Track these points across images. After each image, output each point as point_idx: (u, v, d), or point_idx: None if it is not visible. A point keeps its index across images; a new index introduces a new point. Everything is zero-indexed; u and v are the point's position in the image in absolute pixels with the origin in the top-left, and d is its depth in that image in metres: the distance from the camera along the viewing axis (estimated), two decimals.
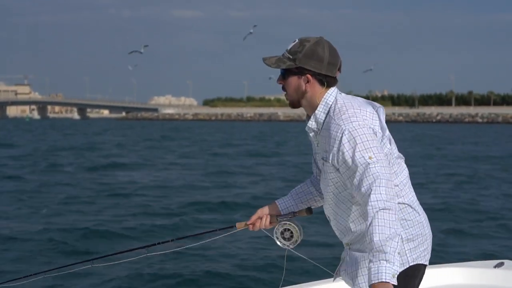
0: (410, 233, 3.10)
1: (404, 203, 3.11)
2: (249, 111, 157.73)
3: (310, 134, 3.22)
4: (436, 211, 14.20)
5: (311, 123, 3.17)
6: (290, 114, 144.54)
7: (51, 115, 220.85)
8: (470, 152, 36.91)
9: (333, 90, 3.15)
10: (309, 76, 3.11)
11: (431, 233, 3.22)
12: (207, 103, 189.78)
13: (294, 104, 3.22)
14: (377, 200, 2.85)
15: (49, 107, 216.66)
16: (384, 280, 2.75)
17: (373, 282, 2.78)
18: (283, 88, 3.22)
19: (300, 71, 3.12)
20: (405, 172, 3.18)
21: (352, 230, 3.16)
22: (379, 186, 2.87)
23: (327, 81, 3.13)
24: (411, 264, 3.11)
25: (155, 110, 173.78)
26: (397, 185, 3.09)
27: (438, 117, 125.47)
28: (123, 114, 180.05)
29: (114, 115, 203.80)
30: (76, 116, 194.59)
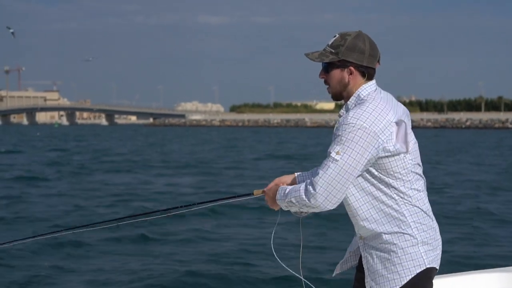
0: (425, 236, 3.22)
1: (419, 208, 3.23)
2: (275, 117, 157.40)
3: None
4: None
5: (342, 111, 3.30)
6: (317, 120, 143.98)
7: (79, 121, 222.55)
8: None
9: (370, 84, 3.28)
10: (352, 68, 3.26)
11: (441, 240, 3.35)
12: (233, 109, 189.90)
13: (337, 96, 3.34)
14: (310, 185, 3.13)
15: (77, 113, 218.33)
16: (276, 199, 3.34)
17: (278, 189, 3.34)
18: (325, 82, 3.35)
19: (342, 64, 3.26)
20: (421, 180, 3.29)
21: (360, 223, 3.27)
22: (318, 177, 3.10)
23: (368, 73, 3.27)
24: (427, 266, 3.21)
25: (183, 116, 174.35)
26: (413, 189, 3.22)
27: (468, 123, 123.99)
28: (151, 120, 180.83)
29: (141, 121, 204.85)
30: (104, 122, 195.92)
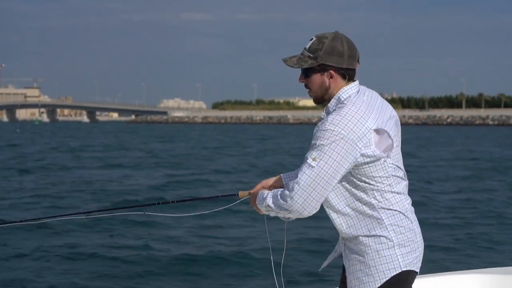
0: (401, 238, 3.17)
1: (396, 210, 3.18)
2: (258, 114, 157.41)
3: None
4: None
5: (323, 114, 3.25)
6: (300, 117, 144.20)
7: (60, 118, 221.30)
8: None
9: (351, 86, 3.23)
10: (332, 71, 3.20)
11: (423, 242, 3.29)
12: (216, 106, 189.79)
13: (319, 100, 3.30)
14: (289, 190, 3.10)
15: (58, 110, 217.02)
16: (257, 203, 3.32)
17: (258, 197, 3.32)
18: (306, 86, 3.29)
19: (322, 68, 3.20)
20: (403, 183, 3.24)
21: (337, 226, 3.27)
22: (297, 183, 3.06)
23: (349, 74, 3.22)
24: (403, 269, 3.16)
25: (165, 113, 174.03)
26: (393, 193, 3.18)
27: (449, 120, 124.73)
28: (133, 117, 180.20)
29: (123, 118, 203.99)
30: (85, 119, 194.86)
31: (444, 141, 55.46)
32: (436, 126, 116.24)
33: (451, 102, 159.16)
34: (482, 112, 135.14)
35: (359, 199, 3.17)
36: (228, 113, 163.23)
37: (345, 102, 3.15)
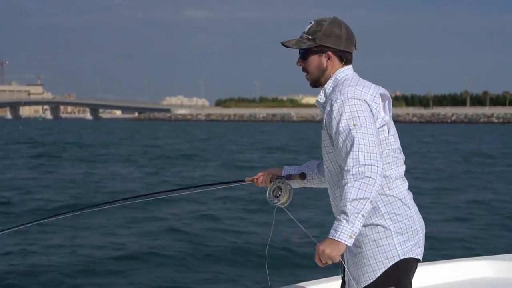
0: (399, 226, 3.14)
1: (393, 196, 3.16)
2: (261, 112, 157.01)
3: (320, 109, 3.32)
4: None
5: (320, 97, 3.29)
6: (304, 114, 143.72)
7: (63, 115, 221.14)
8: None
9: (347, 68, 3.28)
10: (329, 53, 3.25)
11: (424, 228, 3.26)
12: (219, 103, 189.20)
13: (315, 82, 3.31)
14: (352, 165, 2.95)
15: (61, 107, 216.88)
16: (337, 239, 2.91)
17: (329, 237, 2.95)
18: (303, 69, 3.32)
19: (320, 50, 3.26)
20: (401, 167, 3.23)
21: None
22: (357, 151, 2.96)
23: (346, 57, 3.27)
24: (401, 258, 3.14)
25: (168, 110, 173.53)
26: (387, 176, 3.15)
27: (453, 118, 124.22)
28: (136, 114, 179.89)
29: (126, 116, 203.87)
30: (88, 116, 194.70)
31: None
32: (440, 124, 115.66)
33: (455, 100, 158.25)
34: (487, 110, 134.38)
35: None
36: (231, 111, 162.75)
37: (342, 80, 3.23)
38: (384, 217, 3.13)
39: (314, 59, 3.27)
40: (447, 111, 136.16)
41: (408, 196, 3.22)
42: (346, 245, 2.91)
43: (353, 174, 2.93)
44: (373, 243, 3.13)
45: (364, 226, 3.10)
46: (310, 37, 3.25)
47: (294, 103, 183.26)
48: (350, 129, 3.01)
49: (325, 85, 3.27)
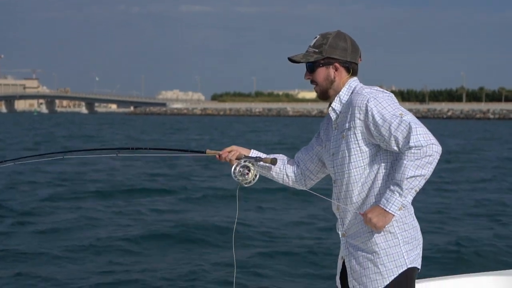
0: (406, 235, 3.28)
1: None
2: (257, 106, 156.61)
3: (332, 116, 3.43)
4: None
5: (335, 104, 3.41)
6: (300, 109, 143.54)
7: (59, 109, 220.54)
8: None
9: (356, 79, 3.46)
10: (337, 64, 3.41)
11: (422, 238, 3.40)
12: (215, 98, 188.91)
13: (324, 94, 3.45)
14: (414, 145, 3.10)
15: (57, 101, 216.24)
16: (388, 210, 3.16)
17: (380, 205, 3.19)
18: (312, 82, 3.48)
19: (327, 62, 3.41)
20: None
21: (354, 214, 3.34)
22: (416, 134, 3.11)
23: (353, 68, 3.44)
24: (409, 266, 3.26)
25: (164, 104, 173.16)
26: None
27: (449, 113, 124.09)
28: (131, 108, 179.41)
29: (122, 110, 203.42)
30: (84, 110, 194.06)
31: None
32: (436, 119, 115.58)
33: (451, 96, 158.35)
34: (483, 105, 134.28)
35: (379, 175, 3.30)
36: (227, 105, 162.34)
37: (357, 87, 3.39)
38: (393, 225, 3.25)
39: (321, 71, 3.42)
40: (443, 106, 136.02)
41: (412, 208, 3.36)
42: (393, 215, 3.17)
43: (413, 153, 3.10)
44: (383, 251, 3.25)
45: (372, 232, 3.27)
46: (317, 50, 3.41)
47: (290, 98, 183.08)
48: (400, 116, 3.18)
49: (340, 93, 3.41)
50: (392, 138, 3.17)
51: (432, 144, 3.10)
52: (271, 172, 3.67)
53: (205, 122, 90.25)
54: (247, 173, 3.58)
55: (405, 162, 3.10)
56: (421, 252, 3.37)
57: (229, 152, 3.64)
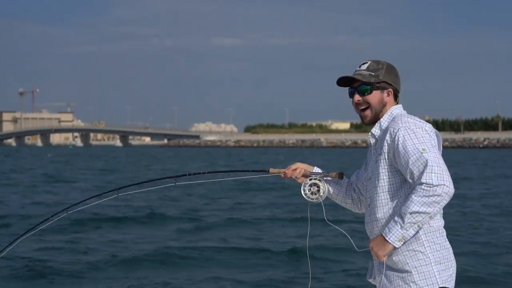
0: (437, 256, 3.31)
1: (433, 227, 3.34)
2: (291, 138, 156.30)
3: (371, 141, 3.52)
4: None
5: (374, 129, 3.50)
6: (333, 140, 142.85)
7: (93, 143, 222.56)
8: None
9: (399, 106, 3.55)
10: (391, 90, 3.52)
11: (455, 261, 3.41)
12: (248, 129, 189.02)
13: (376, 117, 3.51)
14: (425, 182, 3.15)
15: (91, 134, 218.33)
16: (387, 239, 3.24)
17: (382, 234, 3.28)
18: (359, 105, 3.51)
19: (383, 86, 3.50)
20: None
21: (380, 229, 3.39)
22: (430, 172, 3.15)
23: (398, 96, 3.56)
24: (440, 286, 3.27)
25: (197, 137, 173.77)
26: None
27: (485, 142, 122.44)
28: (165, 141, 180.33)
29: (156, 142, 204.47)
30: (118, 143, 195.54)
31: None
32: (472, 149, 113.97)
33: (487, 125, 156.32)
34: None
35: (398, 205, 3.35)
36: (260, 137, 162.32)
37: (399, 115, 3.47)
38: (424, 245, 3.30)
39: (376, 94, 3.47)
40: (479, 135, 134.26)
41: (445, 231, 3.40)
42: (394, 246, 3.24)
43: (423, 190, 3.15)
44: (415, 270, 3.28)
45: (404, 252, 3.30)
46: (373, 73, 3.46)
47: (323, 129, 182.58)
48: (421, 152, 3.21)
49: (381, 120, 3.48)
50: (408, 171, 3.24)
51: (444, 185, 3.13)
52: (334, 191, 3.72)
53: (239, 153, 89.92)
54: (317, 190, 3.61)
55: (413, 196, 3.17)
56: (455, 274, 3.37)
57: (294, 170, 3.66)
